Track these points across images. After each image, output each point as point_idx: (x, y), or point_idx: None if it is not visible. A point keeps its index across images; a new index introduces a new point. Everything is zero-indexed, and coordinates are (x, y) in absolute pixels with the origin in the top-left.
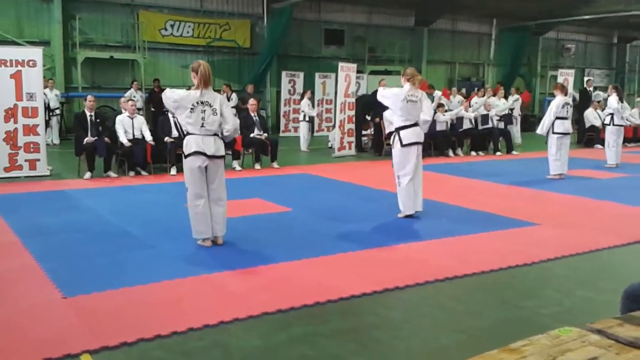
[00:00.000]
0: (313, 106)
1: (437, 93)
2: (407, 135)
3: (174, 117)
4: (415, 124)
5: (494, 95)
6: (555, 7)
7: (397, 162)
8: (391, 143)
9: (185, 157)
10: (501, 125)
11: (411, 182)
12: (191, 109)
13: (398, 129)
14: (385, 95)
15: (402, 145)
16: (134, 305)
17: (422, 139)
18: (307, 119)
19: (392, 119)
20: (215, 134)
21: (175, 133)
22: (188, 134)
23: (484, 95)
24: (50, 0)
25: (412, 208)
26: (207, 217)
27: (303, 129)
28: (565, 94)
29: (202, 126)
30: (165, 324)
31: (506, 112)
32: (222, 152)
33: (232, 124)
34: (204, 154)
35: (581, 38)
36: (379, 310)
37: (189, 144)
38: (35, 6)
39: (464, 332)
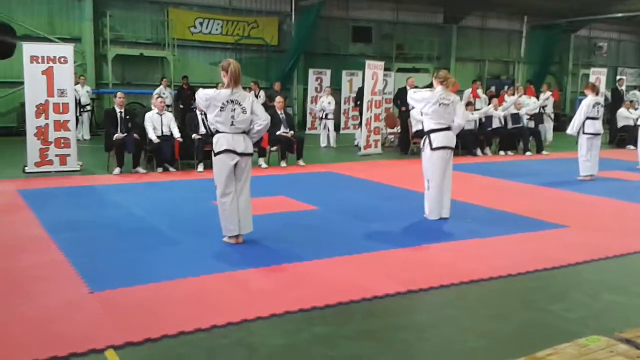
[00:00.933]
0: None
1: (467, 92)
2: (437, 139)
3: (202, 114)
4: (448, 128)
5: (526, 94)
6: (588, 5)
7: (427, 166)
8: (422, 147)
9: (216, 154)
10: (531, 124)
11: (439, 188)
12: (222, 107)
13: (429, 132)
14: (416, 98)
15: (432, 149)
16: (159, 301)
17: (453, 144)
18: (330, 116)
19: (423, 121)
20: (244, 132)
21: (203, 130)
22: (217, 132)
23: (514, 94)
24: None
25: (438, 214)
26: (235, 214)
27: (330, 125)
28: (597, 94)
29: (232, 124)
30: (189, 320)
31: (537, 110)
32: (251, 149)
33: (264, 118)
34: (235, 152)
35: (614, 36)
36: (403, 312)
37: (220, 143)
38: (67, 4)
39: (489, 336)
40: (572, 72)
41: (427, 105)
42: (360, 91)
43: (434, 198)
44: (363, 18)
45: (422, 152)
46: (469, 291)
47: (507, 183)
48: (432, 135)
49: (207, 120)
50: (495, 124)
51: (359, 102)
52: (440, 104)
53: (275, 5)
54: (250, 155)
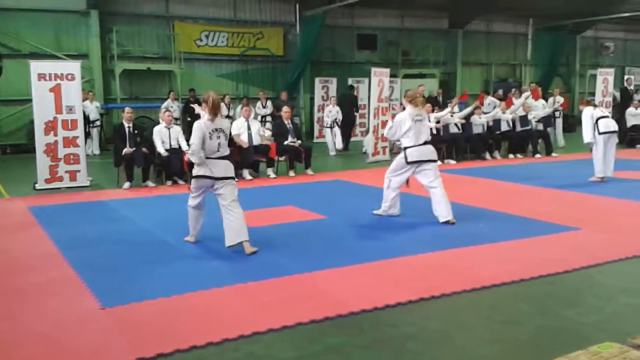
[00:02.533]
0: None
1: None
2: (412, 154)
3: None
4: (425, 143)
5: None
6: (593, 6)
7: (395, 168)
8: (399, 155)
9: (194, 177)
10: (540, 126)
11: (398, 189)
12: (209, 136)
13: (406, 148)
14: (399, 125)
15: (407, 162)
16: (171, 315)
17: (434, 157)
18: (338, 124)
19: (401, 141)
20: (225, 157)
21: None
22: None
23: (520, 96)
24: (87, 14)
25: (393, 212)
26: (199, 221)
27: (329, 134)
28: (593, 107)
29: (218, 150)
30: (200, 334)
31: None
32: (231, 173)
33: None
34: (212, 178)
35: (620, 36)
36: (415, 320)
37: (199, 169)
38: (73, 20)
39: (503, 343)
40: (580, 72)
41: (404, 126)
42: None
43: (391, 197)
44: (368, 25)
45: (398, 156)
46: (481, 297)
47: (516, 186)
48: (408, 151)
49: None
50: (504, 127)
51: (354, 109)
52: (415, 121)
53: (279, 16)
54: (231, 178)
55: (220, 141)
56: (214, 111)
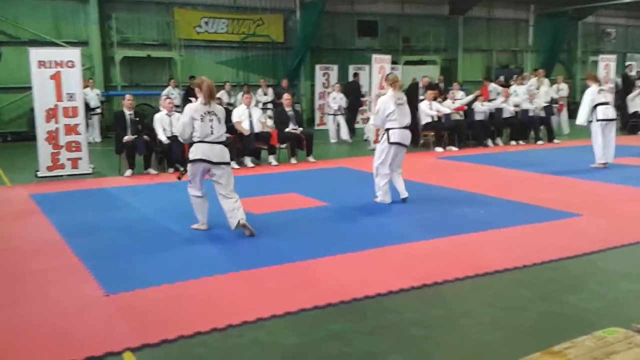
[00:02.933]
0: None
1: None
2: (395, 134)
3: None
4: (405, 127)
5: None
6: None
7: (379, 155)
8: (379, 139)
9: (190, 161)
10: (542, 113)
11: (388, 175)
12: (201, 118)
13: (388, 129)
14: (383, 109)
15: (390, 143)
16: (175, 301)
17: (408, 142)
18: (341, 111)
19: (384, 123)
20: (221, 142)
21: None
22: (195, 142)
23: (522, 84)
24: (86, 1)
25: (390, 198)
26: (205, 208)
27: (332, 121)
28: (599, 83)
29: (212, 133)
30: (204, 320)
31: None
32: (227, 159)
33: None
34: (209, 161)
35: (621, 22)
36: (418, 307)
37: (195, 151)
38: (72, 7)
39: (506, 329)
40: (581, 59)
41: (387, 109)
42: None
43: (382, 185)
44: (368, 12)
45: (379, 143)
46: (483, 283)
47: (518, 173)
48: (391, 131)
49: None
50: (506, 114)
51: (359, 97)
52: (398, 104)
53: (279, 2)
54: (227, 164)
55: (214, 124)
56: (208, 95)
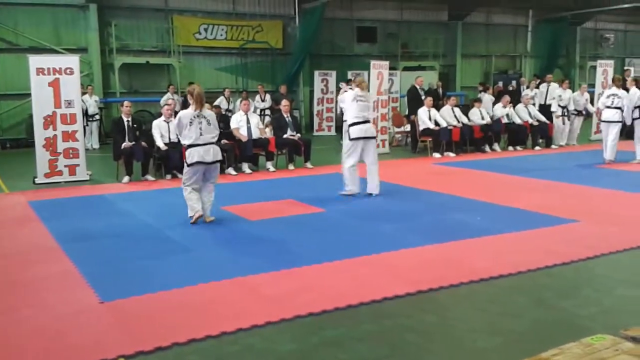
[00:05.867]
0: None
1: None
2: (354, 131)
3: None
4: (365, 122)
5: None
6: None
7: (345, 150)
8: (343, 135)
9: (188, 165)
10: (541, 117)
11: (353, 167)
12: (190, 122)
13: (350, 125)
14: (342, 99)
15: (350, 139)
16: (170, 309)
17: (372, 134)
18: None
19: (346, 117)
20: (212, 143)
21: None
22: (189, 146)
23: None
24: (86, 8)
25: (355, 190)
26: (199, 201)
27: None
28: (619, 87)
29: (201, 135)
30: (199, 327)
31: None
32: (219, 157)
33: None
34: (204, 163)
35: (620, 27)
36: (413, 313)
37: (192, 155)
38: (72, 14)
39: (500, 335)
40: (580, 64)
41: (345, 102)
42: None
43: (349, 174)
44: (367, 18)
45: (343, 140)
46: (479, 289)
47: (516, 179)
48: (351, 129)
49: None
50: (504, 120)
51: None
52: (357, 100)
53: (278, 9)
54: (219, 161)
55: (203, 127)
56: (199, 102)
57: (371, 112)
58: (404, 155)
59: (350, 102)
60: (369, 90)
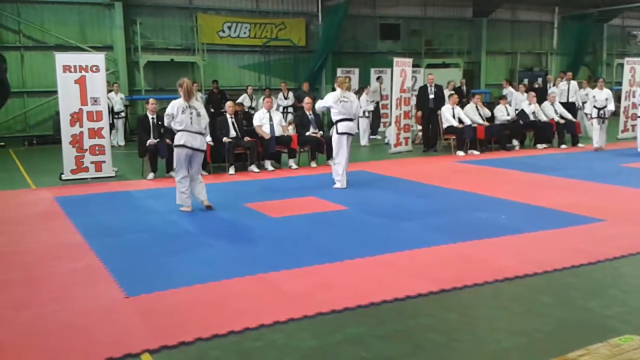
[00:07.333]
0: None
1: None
2: (341, 126)
3: (231, 117)
4: (349, 119)
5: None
6: None
7: (335, 147)
8: (330, 132)
9: (175, 146)
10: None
11: (344, 163)
12: (182, 111)
13: (336, 122)
14: (326, 99)
15: (338, 133)
16: (193, 304)
17: (353, 132)
18: (365, 114)
19: (332, 115)
20: (200, 133)
21: (233, 133)
22: (180, 131)
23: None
24: (111, 6)
25: (344, 184)
26: (189, 191)
27: (363, 124)
28: None
29: (191, 123)
30: (222, 323)
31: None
32: (204, 147)
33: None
34: (190, 147)
35: None
36: (436, 312)
37: (180, 138)
38: (98, 12)
39: (525, 335)
40: (607, 62)
41: (331, 102)
42: None
43: (339, 171)
44: (390, 15)
45: (332, 136)
46: (503, 289)
47: (541, 177)
48: (339, 124)
49: (236, 124)
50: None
51: None
52: (341, 101)
53: (301, 6)
54: (203, 151)
55: (193, 117)
56: (187, 94)
57: (358, 110)
58: (427, 153)
59: (334, 104)
60: (350, 90)
